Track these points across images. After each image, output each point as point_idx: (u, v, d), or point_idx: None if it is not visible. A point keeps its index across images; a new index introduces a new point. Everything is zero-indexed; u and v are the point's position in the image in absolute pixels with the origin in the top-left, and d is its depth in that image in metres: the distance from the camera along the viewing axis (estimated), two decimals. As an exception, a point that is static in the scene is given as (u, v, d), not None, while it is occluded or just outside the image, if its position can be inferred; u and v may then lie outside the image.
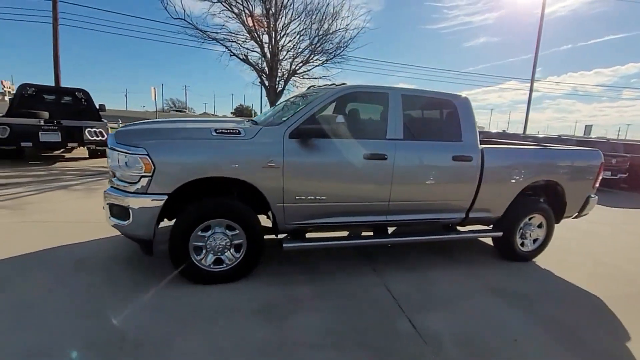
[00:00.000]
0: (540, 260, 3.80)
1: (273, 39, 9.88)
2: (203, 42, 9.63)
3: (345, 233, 3.70)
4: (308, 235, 3.00)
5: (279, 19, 9.78)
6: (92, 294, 2.44)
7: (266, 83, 10.57)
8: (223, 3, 9.03)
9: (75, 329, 2.04)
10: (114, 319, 2.16)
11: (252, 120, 3.66)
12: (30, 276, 2.63)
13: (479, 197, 3.36)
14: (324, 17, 10.20)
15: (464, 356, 2.07)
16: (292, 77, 11.03)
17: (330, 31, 10.50)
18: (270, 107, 11.35)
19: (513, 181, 3.44)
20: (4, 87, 24.36)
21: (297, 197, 2.74)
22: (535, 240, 3.77)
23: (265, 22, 9.80)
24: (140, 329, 2.09)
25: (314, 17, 10.28)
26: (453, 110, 3.29)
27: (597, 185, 3.94)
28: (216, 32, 9.41)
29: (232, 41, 9.71)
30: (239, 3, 9.18)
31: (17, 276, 2.62)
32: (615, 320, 2.64)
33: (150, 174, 2.37)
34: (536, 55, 16.53)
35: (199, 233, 2.57)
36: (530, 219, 3.67)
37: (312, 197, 2.79)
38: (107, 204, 2.53)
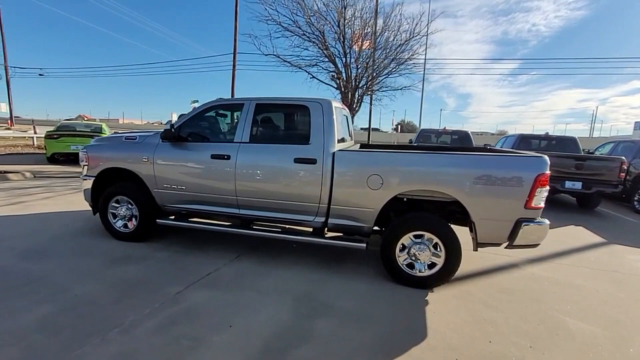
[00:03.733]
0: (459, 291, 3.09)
1: (345, 58, 10.68)
2: (293, 71, 11.51)
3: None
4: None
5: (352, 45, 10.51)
6: (67, 232, 4.22)
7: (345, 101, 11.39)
8: (302, 37, 10.62)
9: (44, 238, 3.77)
10: (56, 245, 3.78)
11: None
12: (63, 219, 4.72)
13: (333, 202, 3.23)
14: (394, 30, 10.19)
15: (168, 318, 2.47)
16: (370, 91, 11.37)
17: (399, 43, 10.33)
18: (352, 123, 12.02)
19: (374, 188, 3.09)
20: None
21: (164, 185, 3.68)
22: (432, 265, 3.11)
23: (342, 45, 10.73)
24: (56, 249, 3.61)
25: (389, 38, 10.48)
26: (306, 115, 3.35)
27: (536, 205, 2.82)
28: (296, 59, 11.12)
29: (313, 65, 11.14)
30: (312, 34, 10.54)
31: (53, 218, 4.77)
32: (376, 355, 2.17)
33: (87, 164, 3.94)
34: None
35: (113, 204, 3.93)
36: (419, 237, 3.10)
37: (175, 187, 3.65)
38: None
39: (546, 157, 2.84)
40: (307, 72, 11.18)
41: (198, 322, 2.45)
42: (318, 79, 11.29)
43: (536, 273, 3.67)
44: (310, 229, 3.47)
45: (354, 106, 11.46)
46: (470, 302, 2.96)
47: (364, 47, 11.18)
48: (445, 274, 3.08)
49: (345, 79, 10.96)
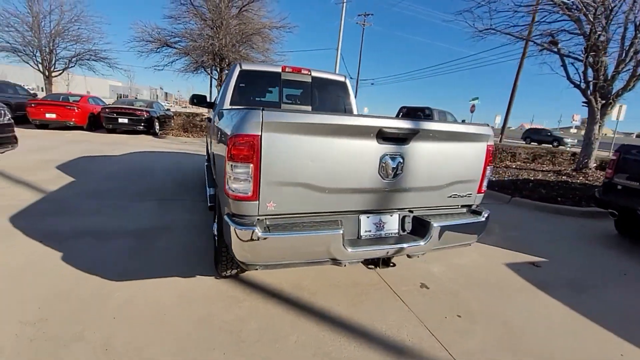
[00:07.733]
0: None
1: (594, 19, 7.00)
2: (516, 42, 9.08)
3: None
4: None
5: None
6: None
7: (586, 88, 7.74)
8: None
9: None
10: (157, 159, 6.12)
11: None
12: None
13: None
14: None
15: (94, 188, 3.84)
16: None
17: None
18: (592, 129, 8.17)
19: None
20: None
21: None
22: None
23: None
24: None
25: None
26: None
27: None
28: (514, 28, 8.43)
29: (548, 33, 8.21)
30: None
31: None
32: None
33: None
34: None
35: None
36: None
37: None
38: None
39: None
40: (536, 43, 8.54)
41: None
42: (554, 52, 8.25)
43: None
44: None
45: (604, 98, 7.68)
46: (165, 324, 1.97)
47: None
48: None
49: (595, 51, 7.43)
